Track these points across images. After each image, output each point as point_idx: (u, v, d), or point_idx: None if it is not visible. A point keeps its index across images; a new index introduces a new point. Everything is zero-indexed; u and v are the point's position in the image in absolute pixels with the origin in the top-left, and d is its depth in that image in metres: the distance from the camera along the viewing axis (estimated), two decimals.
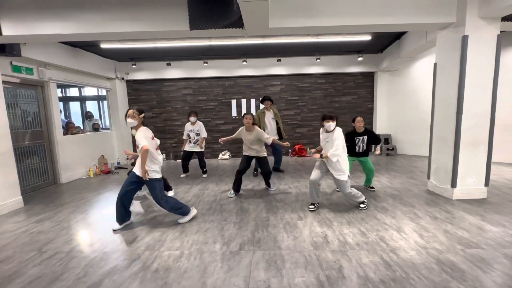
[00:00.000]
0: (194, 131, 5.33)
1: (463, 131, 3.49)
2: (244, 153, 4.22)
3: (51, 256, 2.49)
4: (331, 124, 3.12)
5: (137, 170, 2.96)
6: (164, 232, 2.92)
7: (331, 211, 3.33)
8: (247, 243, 2.60)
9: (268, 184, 4.37)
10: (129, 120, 2.89)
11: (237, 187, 4.16)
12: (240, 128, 4.18)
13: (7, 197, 3.78)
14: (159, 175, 3.02)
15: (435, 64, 3.90)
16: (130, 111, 2.91)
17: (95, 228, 3.12)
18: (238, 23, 3.30)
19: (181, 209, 3.13)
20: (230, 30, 3.48)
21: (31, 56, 4.50)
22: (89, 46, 5.70)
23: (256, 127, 4.07)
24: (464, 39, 3.36)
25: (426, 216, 3.10)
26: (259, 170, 4.55)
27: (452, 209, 3.27)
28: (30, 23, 3.38)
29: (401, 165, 5.97)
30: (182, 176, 5.58)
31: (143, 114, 2.98)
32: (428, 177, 4.11)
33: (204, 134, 5.37)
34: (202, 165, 5.54)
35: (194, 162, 7.39)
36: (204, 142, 5.38)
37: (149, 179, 2.91)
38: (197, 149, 5.37)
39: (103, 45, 5.56)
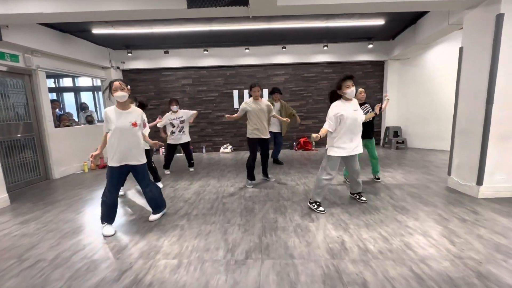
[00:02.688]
0: (178, 118, 4.81)
1: (494, 123, 3.13)
2: (250, 137, 3.93)
3: (32, 265, 2.19)
4: (354, 88, 2.75)
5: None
6: (160, 235, 2.61)
7: (345, 212, 3.02)
8: (254, 250, 2.29)
9: (266, 173, 4.35)
10: (118, 94, 2.48)
11: (252, 176, 4.14)
12: (244, 103, 3.88)
13: None
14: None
15: (461, 49, 3.50)
16: (116, 82, 2.48)
17: (85, 230, 2.81)
18: (242, 0, 2.91)
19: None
20: (232, 9, 3.08)
21: (14, 41, 4.12)
22: (80, 31, 5.30)
23: (263, 99, 3.95)
24: (499, 18, 2.96)
25: (453, 217, 2.78)
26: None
27: (480, 209, 2.95)
28: (9, 0, 3.00)
29: (414, 160, 5.63)
30: (167, 172, 5.16)
31: (129, 87, 2.62)
32: (449, 173, 3.78)
33: (191, 113, 4.92)
34: (189, 158, 5.24)
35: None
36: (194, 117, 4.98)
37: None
38: (184, 139, 4.91)
39: (95, 30, 5.16)
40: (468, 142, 3.43)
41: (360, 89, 3.80)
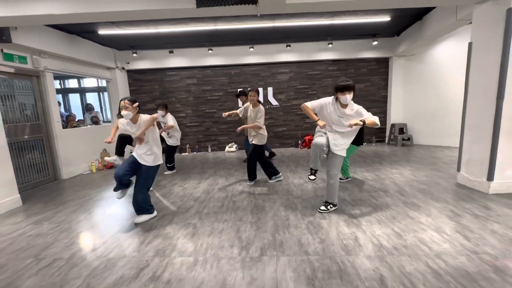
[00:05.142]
0: (163, 123, 4.91)
1: (504, 118, 3.11)
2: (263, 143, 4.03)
3: (49, 264, 2.22)
4: (347, 97, 2.59)
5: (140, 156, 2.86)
6: (174, 233, 2.63)
7: (356, 208, 3.02)
8: (268, 247, 2.30)
9: (267, 174, 4.25)
10: (123, 112, 2.70)
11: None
12: (245, 105, 4.15)
13: (3, 196, 3.50)
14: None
15: (470, 44, 3.48)
16: (122, 102, 2.71)
17: (98, 230, 2.84)
18: None
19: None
20: (241, 7, 3.09)
21: (23, 42, 4.15)
22: (86, 32, 5.32)
23: (260, 106, 3.93)
24: (510, 12, 2.94)
25: (465, 213, 2.77)
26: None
27: (492, 205, 2.94)
28: (17, 2, 3.02)
29: (421, 156, 5.61)
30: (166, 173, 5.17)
31: (137, 104, 2.78)
32: (458, 169, 3.76)
33: (170, 122, 4.81)
34: (167, 159, 5.09)
35: (198, 157, 7.09)
36: (169, 129, 4.83)
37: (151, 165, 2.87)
38: (168, 142, 4.94)
39: (101, 31, 5.18)
40: (478, 138, 3.41)
41: None
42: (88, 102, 7.58)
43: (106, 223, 3.00)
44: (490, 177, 3.26)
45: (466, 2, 3.39)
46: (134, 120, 2.83)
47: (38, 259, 2.30)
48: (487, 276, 1.81)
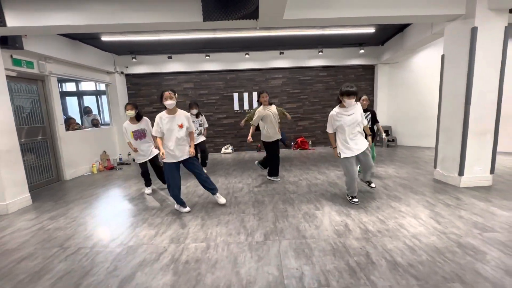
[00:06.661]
0: (197, 122, 5.24)
1: (471, 121, 3.59)
2: (265, 140, 4.30)
3: (75, 251, 2.47)
4: (352, 101, 3.12)
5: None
6: (184, 225, 2.92)
7: (345, 201, 3.41)
8: (271, 233, 2.64)
9: (271, 173, 4.54)
10: (169, 102, 3.04)
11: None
12: (258, 111, 4.18)
13: (15, 194, 3.68)
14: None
15: (442, 56, 3.97)
16: (167, 93, 3.05)
17: (113, 223, 3.09)
18: (253, 14, 3.27)
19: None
20: (243, 21, 3.44)
21: (32, 49, 4.34)
22: (88, 38, 5.54)
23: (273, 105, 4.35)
24: (474, 31, 3.43)
25: (439, 203, 3.20)
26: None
27: (462, 196, 3.40)
28: (36, 13, 3.25)
29: (404, 156, 6.11)
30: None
31: (176, 95, 3.17)
32: (435, 167, 4.23)
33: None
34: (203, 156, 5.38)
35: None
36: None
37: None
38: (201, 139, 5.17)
39: (104, 38, 5.41)
40: (450, 138, 3.89)
41: (364, 97, 4.16)
42: (86, 105, 7.71)
43: (118, 218, 3.25)
44: (461, 172, 3.73)
45: (439, 20, 3.87)
46: (173, 111, 3.12)
47: (63, 248, 2.55)
48: (452, 250, 2.21)
